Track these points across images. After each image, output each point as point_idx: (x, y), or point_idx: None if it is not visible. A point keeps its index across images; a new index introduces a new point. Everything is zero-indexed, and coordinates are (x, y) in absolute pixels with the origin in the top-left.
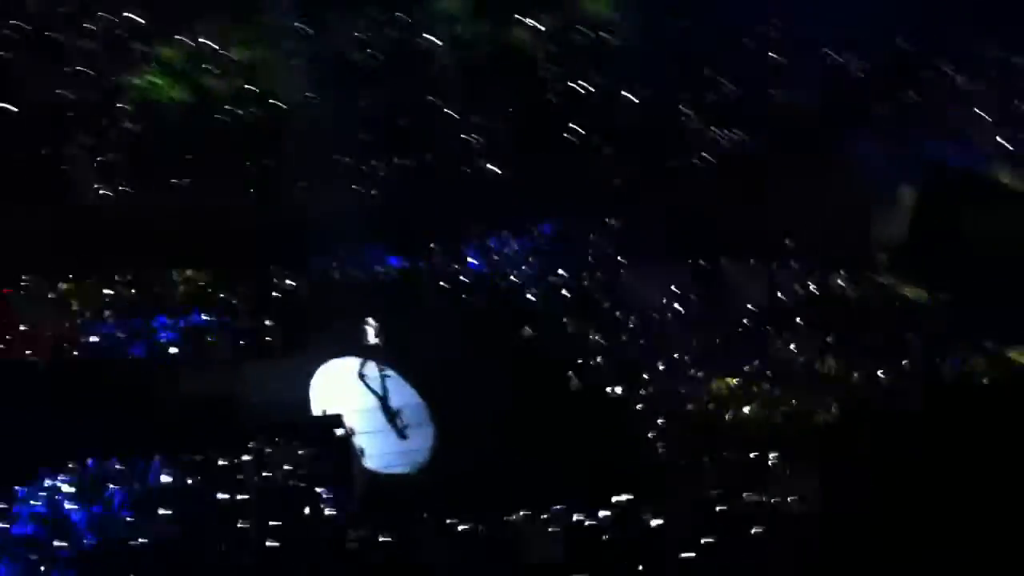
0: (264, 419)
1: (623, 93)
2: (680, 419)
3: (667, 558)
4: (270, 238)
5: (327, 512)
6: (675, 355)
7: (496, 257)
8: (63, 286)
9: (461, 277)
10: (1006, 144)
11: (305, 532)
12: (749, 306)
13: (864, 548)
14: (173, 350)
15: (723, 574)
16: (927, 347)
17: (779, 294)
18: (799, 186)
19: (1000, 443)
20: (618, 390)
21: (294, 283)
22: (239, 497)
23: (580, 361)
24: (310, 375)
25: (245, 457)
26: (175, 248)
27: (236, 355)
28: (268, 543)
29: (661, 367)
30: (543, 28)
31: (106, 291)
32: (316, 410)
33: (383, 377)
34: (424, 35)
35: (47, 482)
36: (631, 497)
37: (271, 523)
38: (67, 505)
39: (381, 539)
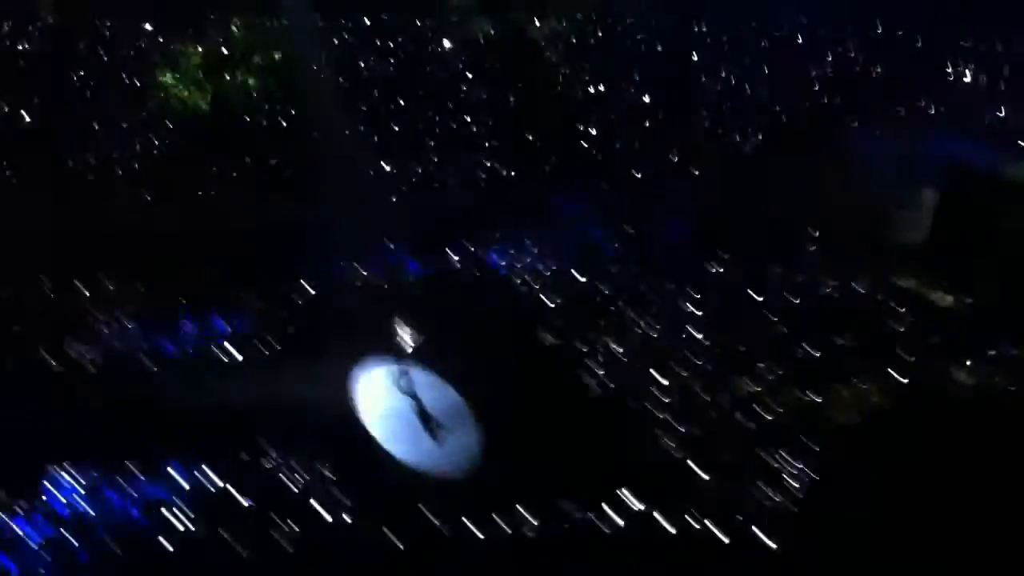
0: (293, 422)
1: (635, 90)
2: (698, 419)
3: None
4: (297, 240)
5: (355, 514)
6: (691, 355)
7: (516, 257)
8: (84, 288)
9: (483, 278)
10: None
11: (333, 534)
12: (765, 306)
13: (879, 550)
14: (201, 352)
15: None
16: (947, 347)
17: (795, 294)
18: (816, 185)
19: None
20: (635, 390)
21: (322, 286)
22: (269, 500)
23: (598, 361)
24: (341, 378)
25: (274, 460)
26: (199, 250)
27: (264, 358)
28: (294, 546)
29: (678, 367)
30: (555, 25)
31: (130, 293)
32: (347, 413)
33: (414, 379)
34: (438, 33)
35: (67, 483)
36: (649, 496)
37: (298, 526)
38: (90, 506)
39: (409, 540)
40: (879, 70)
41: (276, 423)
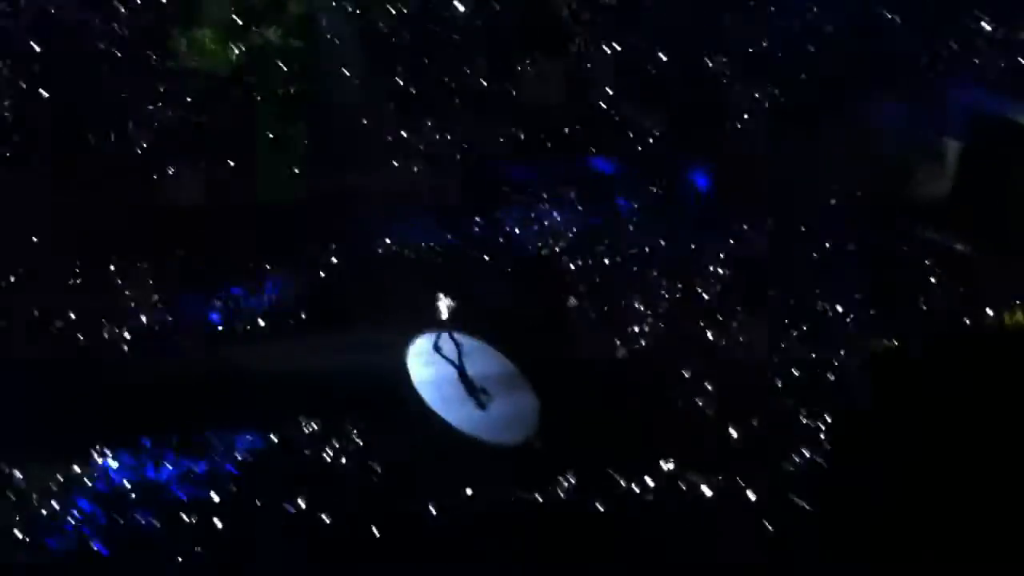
0: (338, 393)
1: (655, 52)
2: (725, 382)
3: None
4: (333, 208)
5: (400, 481)
6: (717, 316)
7: (544, 225)
8: (114, 264)
9: (512, 244)
10: None
11: (378, 504)
12: (790, 264)
13: (916, 510)
14: (241, 324)
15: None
16: (971, 301)
17: (821, 251)
18: (837, 140)
19: None
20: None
21: (361, 255)
22: (316, 471)
23: (626, 331)
24: (383, 347)
25: (319, 431)
26: (233, 221)
27: (302, 329)
28: (339, 517)
29: (705, 329)
30: None
31: (165, 266)
32: (391, 383)
33: (460, 347)
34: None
35: (106, 460)
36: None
37: (342, 497)
38: (128, 482)
39: (458, 510)
40: (898, 20)
41: (319, 393)
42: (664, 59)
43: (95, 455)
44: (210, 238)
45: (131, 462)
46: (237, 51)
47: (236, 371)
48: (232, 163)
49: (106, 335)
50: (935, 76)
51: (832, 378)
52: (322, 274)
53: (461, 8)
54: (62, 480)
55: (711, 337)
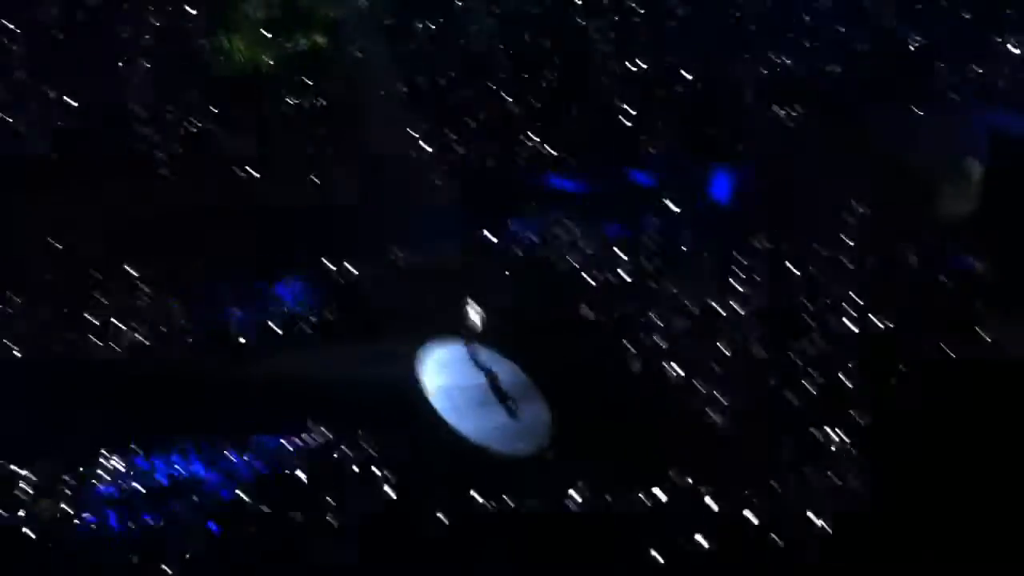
0: (363, 401)
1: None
2: (737, 395)
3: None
4: (354, 219)
5: (426, 490)
6: (733, 331)
7: (559, 237)
8: (128, 267)
9: (534, 255)
10: None
11: (404, 511)
12: (810, 280)
13: (932, 529)
14: (266, 331)
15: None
16: (992, 320)
17: (841, 268)
18: (860, 158)
19: None
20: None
21: (385, 264)
22: (342, 478)
23: (652, 337)
24: (412, 356)
25: (346, 439)
26: (258, 226)
27: (327, 337)
28: (366, 523)
29: (725, 343)
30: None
31: (180, 271)
32: (419, 392)
33: (488, 356)
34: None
35: (118, 465)
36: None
37: (370, 503)
38: (139, 487)
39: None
40: (921, 40)
41: (349, 401)
42: (685, 75)
43: (102, 458)
44: (226, 245)
45: (143, 466)
46: (264, 58)
47: (252, 379)
48: (251, 170)
49: (113, 342)
50: (958, 97)
51: (845, 391)
52: (339, 283)
53: (483, 23)
54: (71, 482)
55: (724, 351)
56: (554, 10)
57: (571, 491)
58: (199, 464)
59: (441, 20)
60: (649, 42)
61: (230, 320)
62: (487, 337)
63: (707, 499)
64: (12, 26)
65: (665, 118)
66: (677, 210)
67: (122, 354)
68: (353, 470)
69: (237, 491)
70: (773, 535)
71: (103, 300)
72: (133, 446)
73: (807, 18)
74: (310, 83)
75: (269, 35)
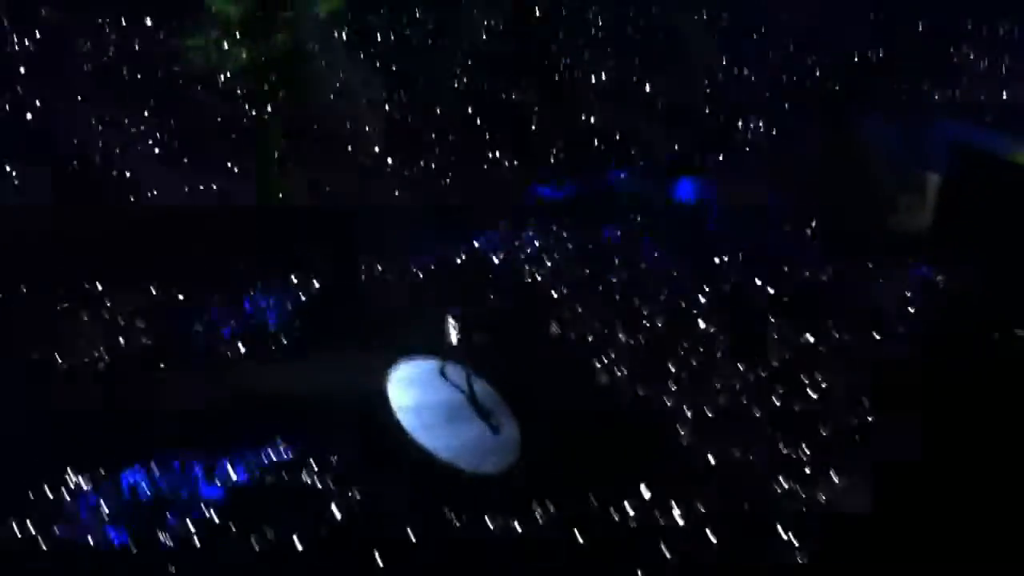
0: (335, 416)
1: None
2: (710, 410)
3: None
4: (336, 229)
5: (405, 505)
6: (702, 346)
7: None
8: (93, 282)
9: (510, 267)
10: None
11: (358, 531)
12: (774, 295)
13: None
14: (239, 343)
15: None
16: (955, 333)
17: (802, 283)
18: (819, 169)
19: None
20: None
21: (364, 275)
22: (316, 492)
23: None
24: (383, 371)
25: (315, 453)
26: (236, 235)
27: (302, 349)
28: (344, 538)
29: (690, 358)
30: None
31: (163, 282)
32: (390, 407)
33: (466, 373)
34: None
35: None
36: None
37: (347, 518)
38: (106, 503)
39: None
40: (882, 53)
41: (322, 415)
42: (663, 84)
43: (67, 474)
44: (193, 258)
45: (109, 481)
46: (246, 61)
47: (218, 394)
48: (232, 175)
49: (86, 357)
50: (919, 109)
51: (816, 406)
52: (306, 296)
53: (470, 34)
54: (38, 498)
55: (695, 365)
56: (527, 20)
57: (541, 507)
58: (163, 481)
59: (416, 29)
60: (620, 54)
61: (193, 335)
62: (463, 352)
63: (676, 513)
64: None
65: (637, 131)
66: (649, 222)
67: (87, 368)
68: (319, 487)
69: (201, 506)
70: (743, 548)
71: (70, 313)
72: (99, 462)
73: (772, 33)
74: (282, 92)
75: (251, 38)
